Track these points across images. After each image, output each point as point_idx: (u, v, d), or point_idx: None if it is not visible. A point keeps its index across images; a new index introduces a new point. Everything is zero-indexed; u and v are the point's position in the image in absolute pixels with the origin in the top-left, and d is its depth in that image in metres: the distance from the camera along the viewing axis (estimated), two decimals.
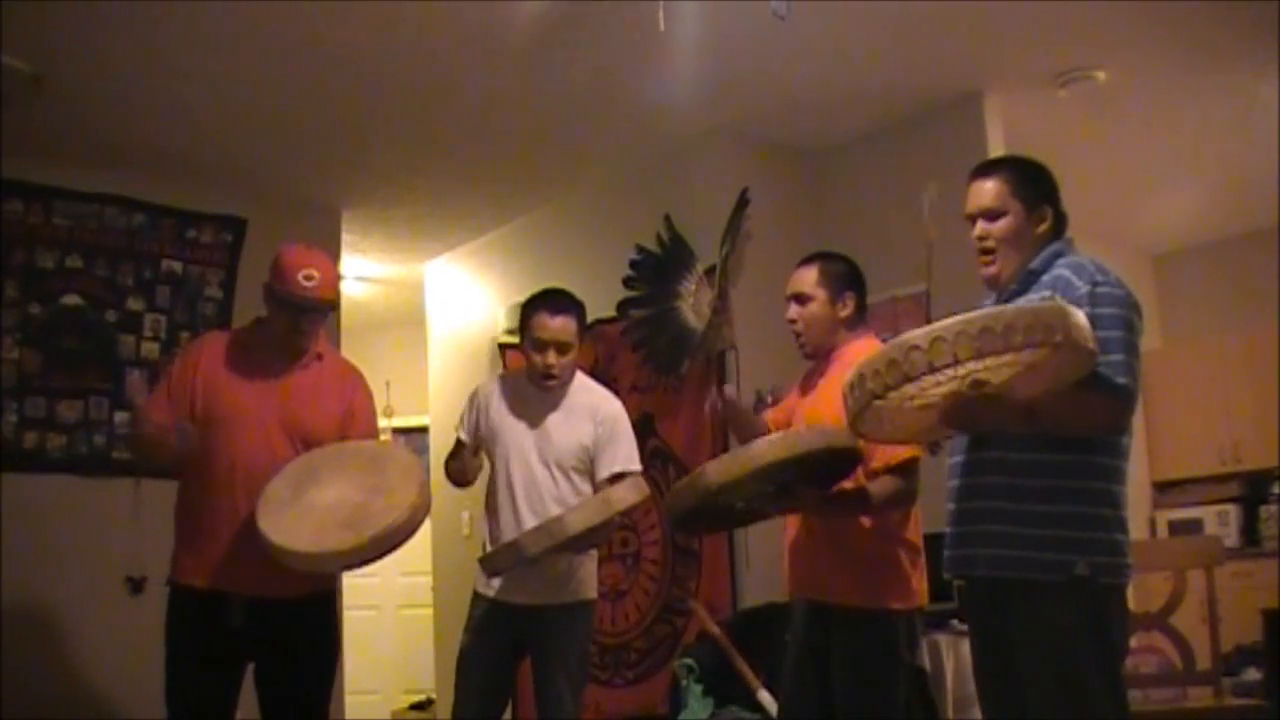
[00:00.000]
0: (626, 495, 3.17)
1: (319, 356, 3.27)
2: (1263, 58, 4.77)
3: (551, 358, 3.38)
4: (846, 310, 3.04)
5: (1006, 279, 2.51)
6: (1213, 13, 4.41)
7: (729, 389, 3.21)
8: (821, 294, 3.03)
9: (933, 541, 2.86)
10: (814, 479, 2.81)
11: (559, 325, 3.39)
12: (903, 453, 2.80)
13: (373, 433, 3.32)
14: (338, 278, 3.16)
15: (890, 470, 2.83)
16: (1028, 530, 2.37)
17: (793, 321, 3.08)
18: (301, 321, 3.14)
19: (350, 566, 3.06)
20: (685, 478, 2.79)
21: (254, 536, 2.94)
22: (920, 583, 2.96)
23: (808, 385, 3.12)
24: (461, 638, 3.44)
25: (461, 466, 3.47)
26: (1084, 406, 2.28)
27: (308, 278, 3.08)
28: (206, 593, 3.05)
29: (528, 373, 3.50)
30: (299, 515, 2.94)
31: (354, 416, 3.26)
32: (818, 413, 2.98)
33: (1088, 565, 2.32)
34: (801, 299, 3.06)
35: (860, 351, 2.91)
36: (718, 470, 2.66)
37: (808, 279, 3.06)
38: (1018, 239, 2.50)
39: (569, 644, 3.37)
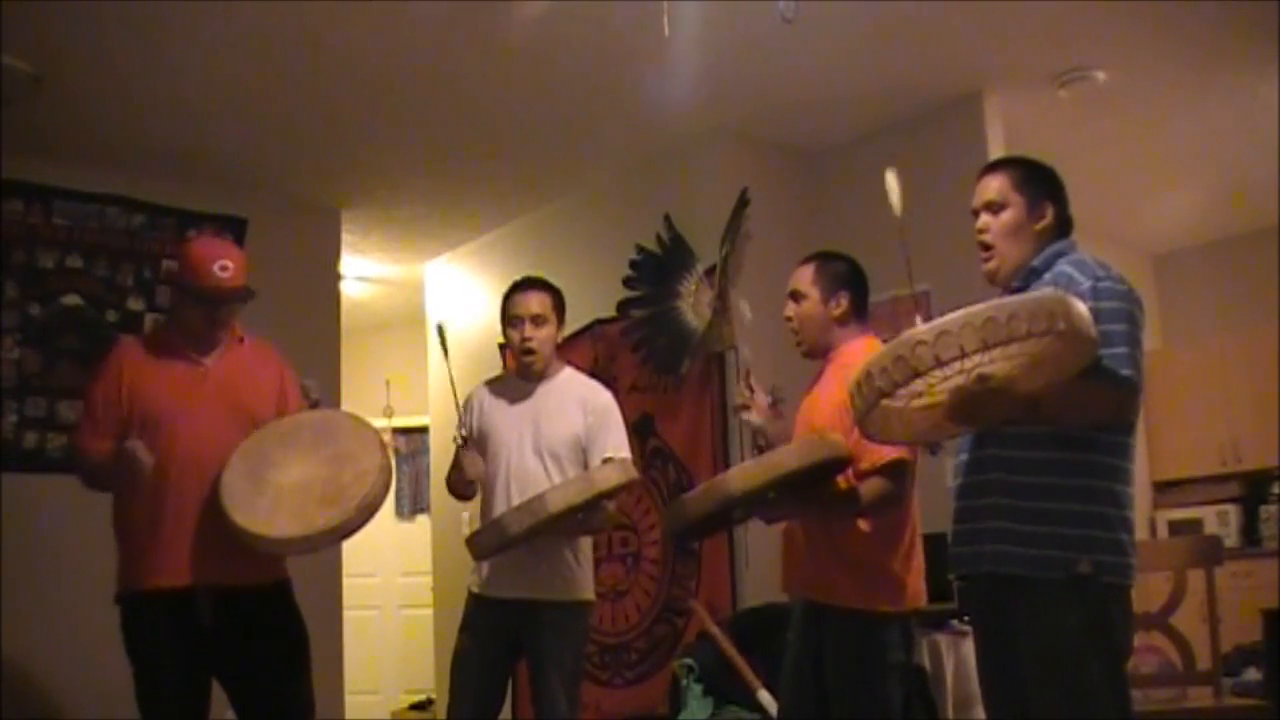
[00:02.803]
0: (610, 475, 3.19)
1: (240, 340, 3.28)
2: (1263, 58, 4.77)
3: (528, 330, 3.43)
4: (839, 309, 3.04)
5: (1006, 274, 2.53)
6: (1213, 13, 4.41)
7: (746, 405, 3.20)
8: (815, 293, 3.04)
9: (935, 541, 2.86)
10: (805, 482, 2.82)
11: (530, 299, 3.46)
12: (890, 454, 2.78)
13: (301, 405, 3.34)
14: (246, 267, 3.22)
15: (877, 472, 2.81)
16: (1030, 527, 2.37)
17: (789, 319, 3.09)
18: (219, 312, 3.15)
19: (339, 541, 3.06)
20: (701, 486, 2.80)
21: (215, 526, 2.94)
22: (916, 583, 2.95)
23: (811, 383, 3.13)
24: (456, 637, 3.44)
25: (462, 476, 3.43)
26: (1088, 398, 2.28)
27: (222, 268, 3.10)
28: (173, 592, 3.01)
29: (516, 366, 3.53)
30: (272, 502, 2.94)
31: (285, 394, 3.28)
32: (812, 416, 2.99)
33: (1090, 563, 2.32)
34: (796, 296, 3.07)
35: (857, 352, 2.92)
36: (741, 479, 2.70)
37: (804, 277, 3.07)
38: (1017, 233, 2.52)
39: (564, 643, 3.36)
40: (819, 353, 3.08)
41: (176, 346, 3.19)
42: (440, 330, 3.56)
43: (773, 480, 2.66)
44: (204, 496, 3.00)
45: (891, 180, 2.50)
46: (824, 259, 3.11)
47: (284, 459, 3.04)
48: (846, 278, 3.07)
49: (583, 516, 3.26)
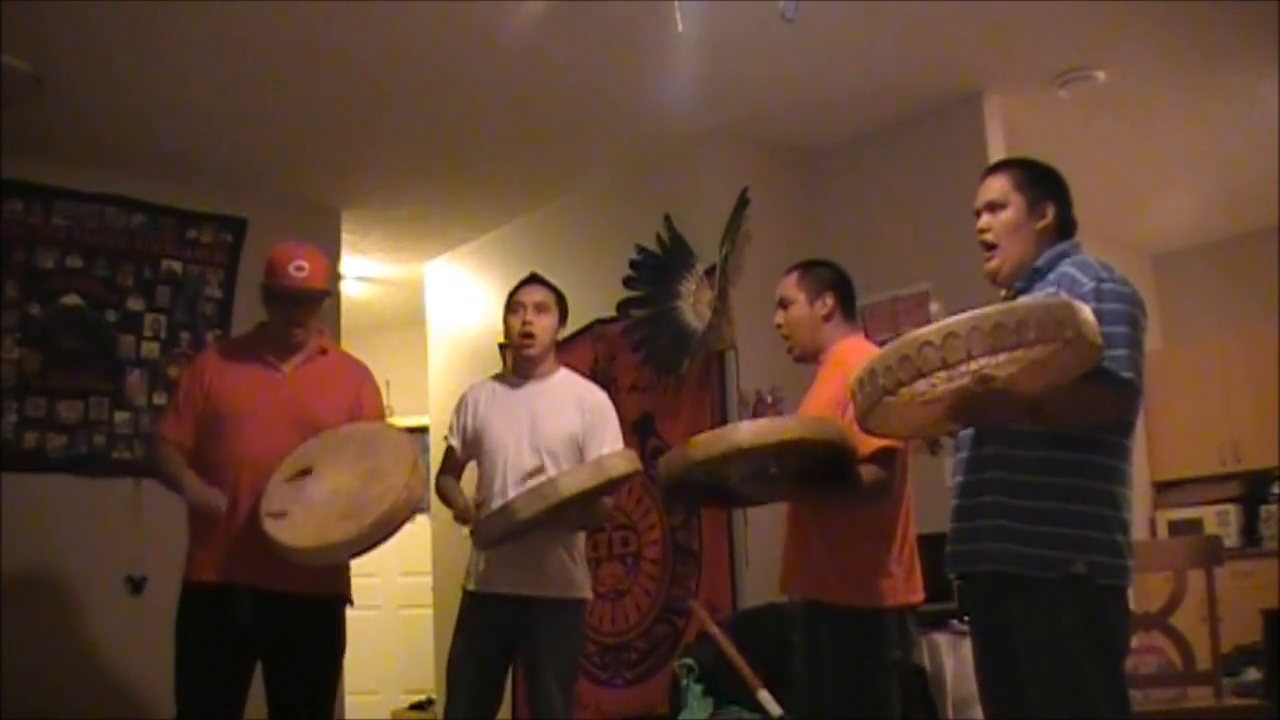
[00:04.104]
0: (620, 463, 3.19)
1: (323, 351, 3.34)
2: (1263, 58, 4.77)
3: (529, 315, 3.45)
4: (826, 309, 3.12)
5: (1007, 273, 2.55)
6: (1213, 13, 4.41)
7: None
8: (801, 296, 3.14)
9: (934, 541, 2.86)
10: (809, 471, 2.85)
11: (535, 289, 3.52)
12: (879, 442, 2.80)
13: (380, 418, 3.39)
14: (328, 269, 3.35)
15: (870, 459, 2.86)
16: (1026, 526, 2.38)
17: (779, 327, 3.19)
18: (295, 312, 3.23)
19: (356, 554, 3.08)
20: (712, 432, 2.79)
21: (260, 529, 2.99)
22: (912, 579, 2.99)
23: (809, 382, 3.19)
24: (452, 639, 3.43)
25: (450, 493, 3.45)
26: (1089, 400, 2.29)
27: (298, 268, 3.19)
28: (215, 586, 3.09)
29: (513, 361, 3.56)
30: (301, 511, 2.99)
31: (362, 408, 3.32)
32: (812, 408, 3.04)
33: (1085, 564, 2.33)
34: (784, 303, 3.17)
35: (849, 351, 3.01)
36: (751, 431, 2.71)
37: (789, 284, 3.18)
38: (1016, 232, 2.54)
39: (559, 642, 3.35)
40: (810, 356, 3.16)
41: (259, 351, 3.27)
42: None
43: (780, 442, 2.67)
44: (253, 501, 3.06)
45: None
46: (807, 265, 3.23)
47: (325, 470, 3.09)
48: (831, 280, 3.17)
49: (581, 512, 3.27)
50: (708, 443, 2.70)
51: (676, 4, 3.78)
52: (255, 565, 3.05)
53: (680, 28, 3.78)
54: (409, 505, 3.03)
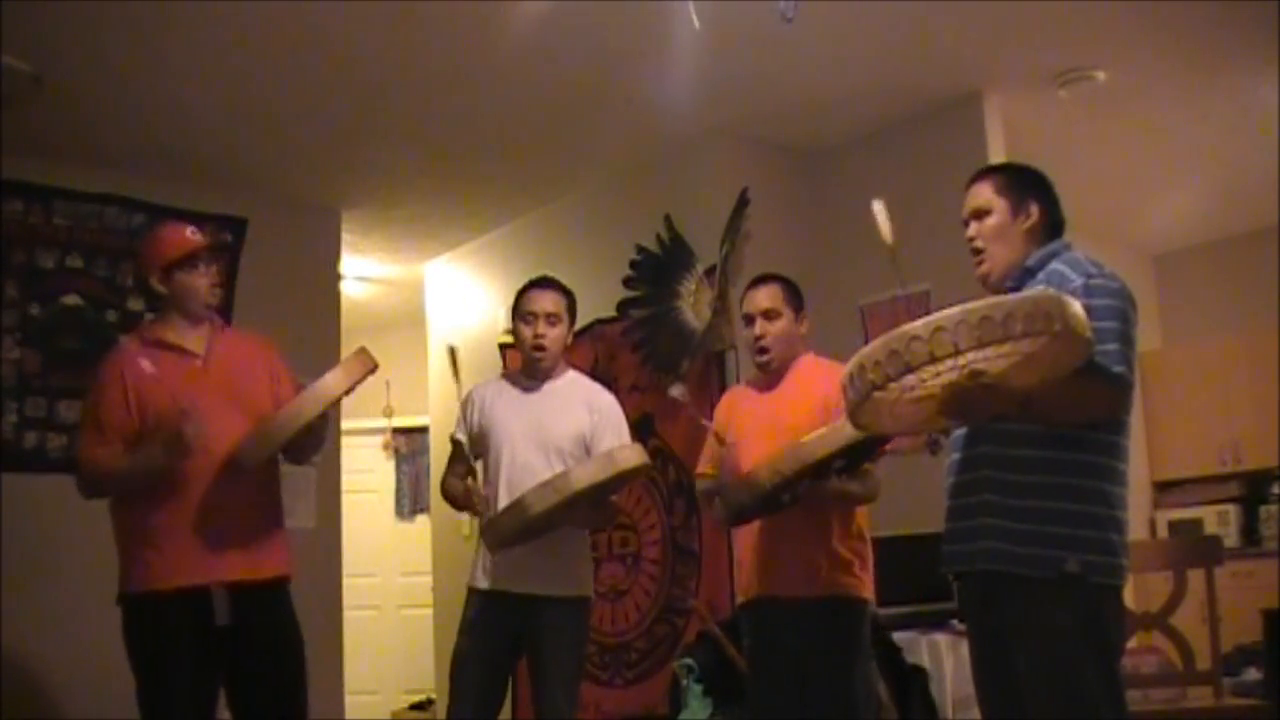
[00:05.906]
0: (630, 456, 3.20)
1: (220, 329, 3.30)
2: (1263, 58, 4.77)
3: (541, 327, 3.45)
4: (804, 328, 3.31)
5: (998, 276, 2.56)
6: (1213, 13, 4.42)
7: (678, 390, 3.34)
8: (789, 312, 3.28)
9: (932, 541, 2.87)
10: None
11: (545, 297, 3.50)
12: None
13: (296, 388, 3.31)
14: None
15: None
16: (1019, 525, 2.38)
17: (760, 337, 3.28)
18: (212, 270, 3.24)
19: (289, 438, 3.07)
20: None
21: (228, 522, 3.02)
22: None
23: (764, 386, 3.34)
24: (456, 639, 3.42)
25: (462, 488, 3.40)
26: (1080, 395, 2.29)
27: (194, 232, 3.25)
28: (186, 591, 3.00)
29: (521, 364, 3.56)
30: None
31: (279, 379, 3.29)
32: (793, 411, 3.17)
33: (1079, 563, 2.33)
34: (770, 315, 3.27)
35: (813, 366, 3.24)
36: (770, 464, 2.85)
37: (776, 296, 3.30)
38: (1003, 235, 2.55)
39: (565, 641, 3.36)
40: (778, 368, 3.29)
41: (167, 345, 3.19)
42: (452, 352, 3.61)
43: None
44: (217, 490, 3.03)
45: (879, 209, 2.62)
46: (784, 281, 3.35)
47: None
48: (803, 300, 3.34)
49: (592, 510, 3.29)
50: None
51: (691, 3, 3.78)
52: (228, 560, 3.02)
53: (697, 25, 3.78)
54: (349, 376, 3.08)
